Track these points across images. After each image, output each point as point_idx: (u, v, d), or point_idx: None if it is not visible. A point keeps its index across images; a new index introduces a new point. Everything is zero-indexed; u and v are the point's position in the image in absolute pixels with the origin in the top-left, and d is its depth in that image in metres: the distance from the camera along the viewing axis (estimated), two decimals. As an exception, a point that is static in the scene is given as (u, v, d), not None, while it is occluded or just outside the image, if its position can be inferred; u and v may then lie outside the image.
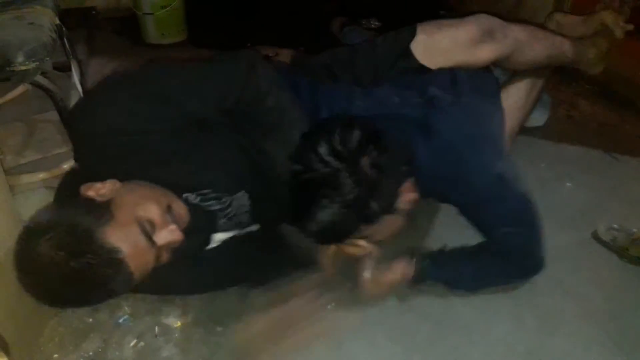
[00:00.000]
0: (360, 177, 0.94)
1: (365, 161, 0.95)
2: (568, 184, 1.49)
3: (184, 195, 1.03)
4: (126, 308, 1.15)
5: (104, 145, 0.97)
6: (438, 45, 1.19)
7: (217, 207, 1.08)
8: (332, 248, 1.10)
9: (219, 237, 1.13)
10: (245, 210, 1.12)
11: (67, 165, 1.56)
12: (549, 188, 1.45)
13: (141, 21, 2.39)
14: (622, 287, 1.19)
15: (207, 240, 1.11)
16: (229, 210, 1.10)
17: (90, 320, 1.13)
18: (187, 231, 0.98)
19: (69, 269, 0.84)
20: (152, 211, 0.93)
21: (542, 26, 1.42)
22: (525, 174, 1.16)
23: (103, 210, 0.90)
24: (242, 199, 1.10)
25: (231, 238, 1.15)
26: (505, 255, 1.09)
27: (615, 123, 1.77)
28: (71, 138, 1.06)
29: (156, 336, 1.10)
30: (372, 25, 2.25)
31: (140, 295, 1.17)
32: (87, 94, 1.05)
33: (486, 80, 1.27)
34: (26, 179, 1.50)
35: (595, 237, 1.31)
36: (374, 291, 1.08)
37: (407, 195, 1.02)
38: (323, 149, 0.94)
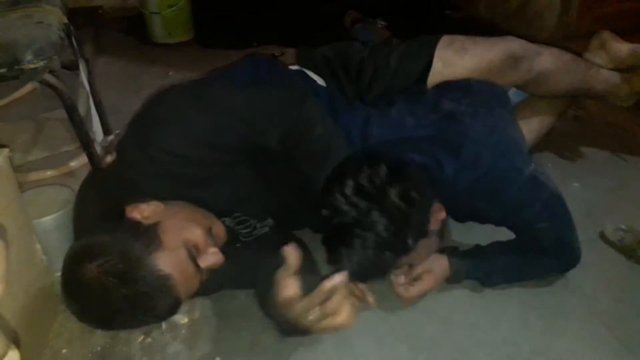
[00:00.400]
0: (392, 213, 0.92)
1: (394, 195, 0.93)
2: (575, 184, 1.49)
3: (222, 219, 1.05)
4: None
5: (167, 172, 0.98)
6: (453, 74, 1.18)
7: (245, 231, 1.12)
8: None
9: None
10: (266, 231, 1.15)
11: (75, 162, 1.58)
12: None
13: (148, 20, 2.40)
14: (630, 287, 1.19)
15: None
16: (255, 232, 1.13)
17: (98, 316, 1.14)
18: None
19: (119, 295, 0.85)
20: (196, 234, 0.94)
21: (578, 55, 1.35)
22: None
23: (151, 234, 0.90)
24: (267, 222, 1.15)
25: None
26: (542, 250, 1.11)
27: (623, 123, 1.76)
28: (123, 147, 1.06)
29: (163, 333, 1.10)
30: (379, 25, 2.25)
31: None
32: (152, 109, 1.06)
33: (497, 88, 1.25)
34: (34, 176, 1.52)
35: (603, 237, 1.30)
36: (413, 298, 1.10)
37: (437, 216, 1.02)
38: (350, 190, 0.92)
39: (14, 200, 1.00)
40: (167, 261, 0.88)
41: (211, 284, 1.10)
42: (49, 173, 1.55)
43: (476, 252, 1.16)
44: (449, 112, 1.13)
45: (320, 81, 1.24)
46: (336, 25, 2.09)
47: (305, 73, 1.23)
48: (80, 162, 1.57)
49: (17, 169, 1.05)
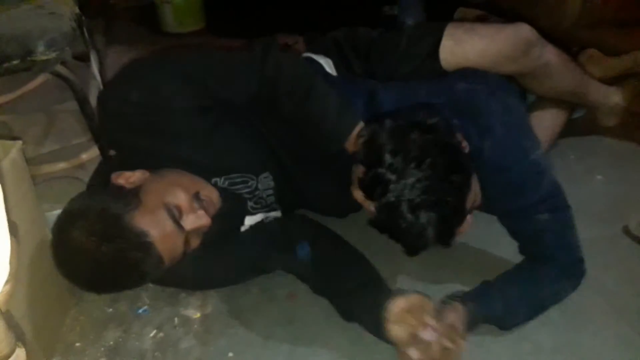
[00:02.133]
0: (447, 172, 0.88)
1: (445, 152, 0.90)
2: (598, 177, 1.45)
3: (213, 180, 1.05)
4: (146, 299, 1.16)
5: (130, 124, 0.99)
6: (465, 55, 1.14)
7: (246, 190, 1.09)
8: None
9: (248, 221, 1.13)
10: (270, 193, 1.13)
11: (87, 155, 1.57)
12: (579, 181, 1.40)
13: (159, 10, 2.39)
14: (654, 284, 1.16)
15: (240, 223, 1.12)
16: (257, 192, 1.11)
17: (110, 310, 1.14)
18: (219, 215, 1.01)
19: (100, 253, 0.87)
20: (179, 197, 0.96)
21: (575, 60, 1.39)
22: (554, 167, 1.12)
23: (132, 196, 0.93)
24: (266, 180, 1.11)
25: (259, 224, 1.15)
26: (545, 256, 1.07)
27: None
28: (102, 122, 1.08)
29: (175, 327, 1.10)
30: (393, 12, 2.21)
31: (160, 287, 1.17)
32: (114, 77, 1.09)
33: (509, 87, 1.22)
34: (46, 168, 1.53)
35: (626, 232, 1.26)
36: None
37: (464, 143, 0.98)
38: (399, 155, 0.88)
39: (27, 193, 1.00)
40: (146, 220, 0.91)
41: (219, 276, 1.13)
42: (60, 165, 1.55)
43: (480, 288, 1.07)
44: (465, 89, 1.10)
45: (328, 66, 1.22)
46: (350, 13, 2.06)
47: (312, 59, 1.21)
48: (91, 155, 1.57)
49: (29, 161, 1.06)
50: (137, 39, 2.36)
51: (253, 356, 1.04)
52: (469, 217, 0.96)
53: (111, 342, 1.07)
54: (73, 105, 1.45)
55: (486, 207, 1.10)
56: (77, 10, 1.30)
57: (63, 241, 0.92)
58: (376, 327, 0.98)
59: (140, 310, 1.13)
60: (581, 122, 1.54)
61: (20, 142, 0.99)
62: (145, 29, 2.46)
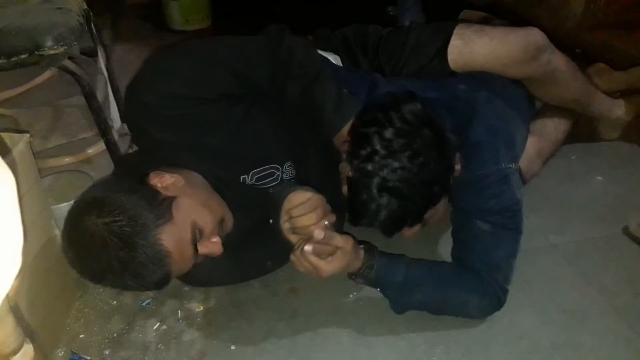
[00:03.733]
0: (425, 155, 0.90)
1: (428, 135, 0.92)
2: (599, 177, 1.45)
3: (241, 177, 1.07)
4: (150, 292, 1.16)
5: (164, 117, 0.97)
6: (473, 55, 1.14)
7: (271, 184, 1.10)
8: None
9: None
10: (293, 183, 1.13)
11: (93, 149, 1.59)
12: (579, 181, 1.41)
13: (166, 7, 2.41)
14: (653, 284, 1.16)
15: (266, 217, 1.10)
16: (282, 183, 1.12)
17: (115, 302, 1.15)
18: (246, 211, 1.05)
19: (116, 256, 0.87)
20: (207, 221, 0.96)
21: (582, 69, 1.38)
22: (555, 167, 1.14)
23: (165, 207, 0.92)
24: (289, 169, 1.12)
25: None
26: (468, 261, 1.04)
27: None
28: (131, 115, 1.05)
29: (179, 320, 1.11)
30: (397, 13, 2.21)
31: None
32: (141, 68, 1.03)
33: (517, 92, 1.22)
34: (52, 162, 1.54)
35: (626, 232, 1.27)
36: (306, 268, 0.99)
37: (457, 167, 1.00)
38: (389, 133, 0.90)
39: (34, 186, 1.00)
40: (171, 238, 0.90)
41: (225, 276, 1.14)
42: (66, 160, 1.56)
43: (396, 256, 1.06)
44: (464, 91, 1.11)
45: (335, 62, 1.23)
46: (354, 13, 2.07)
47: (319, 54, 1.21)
48: (97, 149, 1.58)
49: (35, 155, 1.06)
50: (144, 35, 2.37)
51: (255, 349, 1.04)
52: (417, 226, 1.02)
53: (115, 334, 1.08)
54: (80, 100, 1.47)
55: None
56: (84, 5, 1.31)
57: (83, 226, 0.88)
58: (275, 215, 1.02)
59: (144, 303, 1.14)
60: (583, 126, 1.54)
61: (27, 135, 0.98)
62: (151, 25, 2.47)
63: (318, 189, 1.05)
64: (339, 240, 0.97)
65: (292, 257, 1.00)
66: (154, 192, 0.94)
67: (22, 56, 1.11)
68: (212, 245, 0.97)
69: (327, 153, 1.09)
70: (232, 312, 1.12)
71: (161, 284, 0.93)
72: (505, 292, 1.04)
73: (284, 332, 1.08)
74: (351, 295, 1.14)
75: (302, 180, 1.13)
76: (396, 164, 0.89)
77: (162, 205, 0.92)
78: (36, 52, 1.11)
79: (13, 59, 1.11)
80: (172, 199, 0.93)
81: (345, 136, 1.00)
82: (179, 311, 1.12)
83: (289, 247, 1.02)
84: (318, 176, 1.13)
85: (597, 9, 1.71)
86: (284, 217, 1.01)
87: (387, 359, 1.02)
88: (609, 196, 1.37)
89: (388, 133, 0.91)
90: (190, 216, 0.94)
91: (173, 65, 0.99)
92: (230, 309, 1.13)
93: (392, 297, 1.06)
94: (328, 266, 0.97)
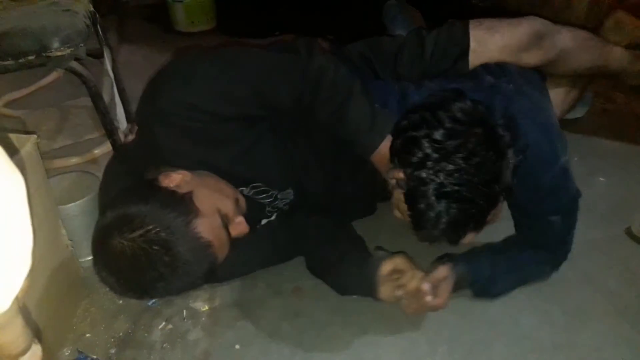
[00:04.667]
0: (482, 156, 0.87)
1: (481, 135, 0.88)
2: (601, 178, 1.45)
3: (240, 188, 1.07)
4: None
5: (176, 125, 0.96)
6: (488, 53, 1.16)
7: (267, 201, 1.12)
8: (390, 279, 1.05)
9: (264, 222, 1.18)
10: (287, 203, 1.16)
11: (99, 150, 1.60)
12: (582, 182, 1.36)
13: (171, 9, 2.42)
14: (655, 285, 1.16)
15: (257, 224, 1.16)
16: (275, 202, 1.14)
17: (121, 302, 1.16)
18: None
19: (163, 262, 0.87)
20: (227, 204, 0.97)
21: (593, 33, 1.36)
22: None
23: (187, 203, 0.92)
24: (287, 194, 1.14)
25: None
26: (541, 244, 1.09)
27: (652, 116, 1.72)
28: (140, 116, 1.05)
29: (184, 320, 1.12)
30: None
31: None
32: (164, 73, 1.03)
33: (534, 75, 1.22)
34: (59, 163, 1.55)
35: (629, 233, 1.27)
36: (428, 310, 1.05)
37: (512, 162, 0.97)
38: (439, 134, 0.88)
39: (42, 186, 1.01)
40: (206, 228, 0.91)
41: (237, 268, 1.15)
42: (73, 160, 1.57)
43: (470, 253, 1.11)
44: (492, 85, 1.10)
45: None
46: (360, 14, 2.07)
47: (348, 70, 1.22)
48: (104, 150, 1.59)
49: (42, 156, 1.08)
50: (149, 37, 2.38)
51: (259, 349, 1.05)
52: (494, 217, 0.97)
53: (121, 334, 1.09)
54: (86, 101, 1.47)
55: None
56: (91, 7, 1.32)
57: (118, 248, 0.87)
58: (367, 291, 1.06)
59: (150, 303, 1.15)
60: (585, 124, 1.54)
61: (35, 135, 0.99)
62: (157, 27, 2.48)
63: (324, 210, 1.10)
64: (440, 274, 1.02)
65: (407, 311, 1.05)
66: (170, 192, 0.94)
67: (30, 57, 1.12)
68: (240, 226, 0.99)
69: (352, 173, 1.13)
70: (237, 312, 1.13)
71: (210, 275, 0.94)
72: (569, 251, 1.12)
73: (288, 331, 1.08)
74: (354, 296, 1.14)
75: (301, 203, 1.16)
76: (451, 167, 0.85)
77: (184, 202, 0.92)
78: (43, 54, 1.13)
79: (20, 61, 1.12)
80: (190, 194, 0.94)
81: (384, 154, 0.99)
82: (185, 311, 1.13)
83: (272, 250, 1.14)
84: (324, 205, 1.17)
85: (601, 10, 1.71)
86: (387, 285, 1.04)
87: (391, 358, 1.03)
88: (612, 197, 1.37)
89: (438, 134, 0.87)
90: (213, 204, 0.95)
91: (197, 75, 0.98)
92: (235, 308, 1.14)
93: (481, 289, 1.10)
94: (443, 298, 1.01)
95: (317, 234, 1.16)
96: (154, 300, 1.15)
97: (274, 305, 1.14)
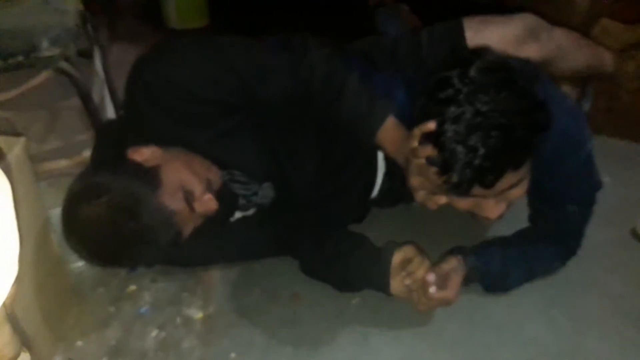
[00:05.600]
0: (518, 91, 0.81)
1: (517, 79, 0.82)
2: (606, 178, 1.42)
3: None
4: (148, 298, 1.15)
5: (159, 101, 0.99)
6: (485, 42, 1.14)
7: (242, 192, 1.11)
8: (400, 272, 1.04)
9: (238, 215, 1.17)
10: (267, 201, 1.15)
11: (89, 152, 1.56)
12: None
13: (163, 6, 2.40)
14: (661, 287, 1.14)
15: (230, 216, 1.15)
16: (253, 197, 1.13)
17: (113, 309, 1.13)
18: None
19: (128, 228, 0.91)
20: (193, 181, 0.99)
21: (584, 35, 1.40)
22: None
23: (152, 175, 0.96)
24: (267, 190, 1.13)
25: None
26: (554, 236, 1.10)
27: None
28: (127, 88, 1.06)
29: (178, 327, 1.09)
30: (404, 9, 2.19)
31: (162, 286, 1.17)
32: (155, 49, 1.05)
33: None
34: (49, 166, 1.52)
35: (634, 234, 1.26)
36: (437, 305, 1.04)
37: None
38: (475, 71, 0.80)
39: (30, 190, 0.99)
40: (169, 199, 0.95)
41: (205, 253, 1.17)
42: (63, 163, 1.54)
43: (481, 246, 1.12)
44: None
45: None
46: (355, 11, 2.05)
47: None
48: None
49: (31, 158, 1.06)
50: (141, 35, 2.35)
51: (256, 357, 1.03)
52: (501, 200, 0.87)
53: (113, 342, 1.06)
54: (76, 102, 1.45)
55: None
56: (81, 6, 1.30)
57: (85, 214, 0.92)
58: (379, 284, 1.06)
59: (142, 310, 1.12)
60: (589, 123, 1.52)
61: (23, 138, 0.98)
62: (148, 24, 2.46)
63: (316, 204, 1.09)
64: (448, 265, 1.03)
65: (419, 308, 1.03)
66: (137, 165, 0.98)
67: (19, 58, 1.12)
68: (207, 203, 1.00)
69: (335, 171, 1.12)
70: (232, 319, 1.10)
71: (175, 243, 0.98)
72: (580, 245, 1.12)
73: (285, 338, 1.06)
74: (354, 301, 1.12)
75: (282, 203, 1.15)
76: (486, 97, 0.78)
77: (150, 174, 0.96)
78: (32, 54, 1.12)
79: (9, 61, 1.12)
80: (157, 168, 0.98)
81: (390, 132, 0.97)
82: (178, 318, 1.11)
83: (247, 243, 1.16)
84: (314, 200, 1.15)
85: (603, 5, 1.70)
86: (397, 277, 1.04)
87: (391, 366, 1.01)
88: (617, 197, 1.35)
89: (472, 71, 0.80)
90: (178, 180, 0.97)
91: (186, 55, 1.00)
92: (231, 315, 1.11)
93: (491, 283, 1.10)
94: (452, 291, 1.01)
95: (314, 231, 1.15)
96: (146, 307, 1.13)
97: (271, 312, 1.12)
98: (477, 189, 0.82)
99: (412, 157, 0.88)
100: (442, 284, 1.00)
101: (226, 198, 1.08)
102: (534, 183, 0.99)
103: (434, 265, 1.03)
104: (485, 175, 0.80)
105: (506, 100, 0.78)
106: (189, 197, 0.98)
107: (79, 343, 1.06)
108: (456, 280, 1.02)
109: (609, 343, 1.03)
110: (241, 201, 1.13)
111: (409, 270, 1.02)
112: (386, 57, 1.21)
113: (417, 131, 0.86)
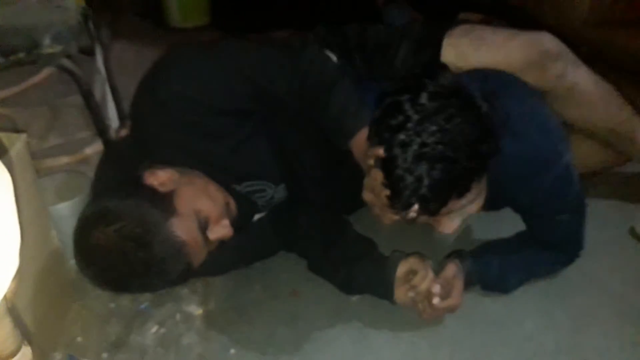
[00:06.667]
0: (469, 118, 0.82)
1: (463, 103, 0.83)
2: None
3: (232, 186, 1.06)
4: (148, 294, 1.15)
5: (172, 116, 0.97)
6: (468, 64, 1.06)
7: (261, 201, 1.12)
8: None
9: (256, 217, 1.18)
10: (282, 201, 1.16)
11: (90, 149, 1.57)
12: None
13: (165, 4, 2.39)
14: (660, 286, 1.15)
15: (248, 222, 1.15)
16: (272, 200, 1.14)
17: (113, 305, 1.13)
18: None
19: (136, 258, 0.88)
20: (209, 206, 0.97)
21: (587, 39, 1.23)
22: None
23: (167, 202, 0.93)
24: (281, 191, 1.14)
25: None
26: (552, 244, 1.09)
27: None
28: (136, 107, 1.05)
29: (177, 323, 1.09)
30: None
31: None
32: (160, 67, 1.04)
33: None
34: (49, 163, 1.52)
35: (632, 233, 1.26)
36: (443, 314, 1.05)
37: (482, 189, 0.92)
38: (424, 98, 0.82)
39: (31, 186, 0.99)
40: (182, 228, 0.92)
41: (226, 262, 1.14)
42: (63, 160, 1.54)
43: (480, 250, 1.12)
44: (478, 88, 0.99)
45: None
46: (360, 9, 2.05)
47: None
48: (95, 149, 1.56)
49: (32, 155, 1.06)
50: (142, 33, 2.35)
51: (255, 353, 1.03)
52: (458, 220, 0.91)
53: (113, 338, 1.06)
54: (77, 99, 1.45)
55: (503, 205, 1.09)
56: (83, 2, 1.30)
57: (95, 240, 0.90)
58: (383, 293, 1.06)
59: (142, 306, 1.13)
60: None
61: (25, 134, 0.98)
62: (150, 23, 2.45)
63: (322, 207, 1.10)
64: (448, 272, 1.03)
65: (424, 317, 1.04)
66: (152, 190, 0.95)
67: (20, 55, 1.11)
68: (222, 230, 0.98)
69: (335, 167, 1.11)
70: (232, 315, 1.11)
71: (185, 275, 0.95)
72: (581, 250, 1.12)
73: (285, 335, 1.06)
74: (354, 298, 1.12)
75: (297, 200, 1.15)
76: (434, 127, 0.79)
77: (164, 201, 0.93)
78: (34, 51, 1.12)
79: (11, 58, 1.11)
80: (172, 193, 0.95)
81: (362, 139, 0.95)
82: (178, 314, 1.11)
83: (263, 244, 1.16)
84: (321, 194, 1.15)
85: (603, 6, 1.70)
86: (402, 288, 1.04)
87: (390, 362, 1.01)
88: (614, 197, 1.36)
89: (423, 98, 0.82)
90: (193, 205, 0.95)
91: (197, 68, 0.99)
92: (230, 312, 1.11)
93: (489, 285, 1.11)
94: (456, 298, 1.01)
95: (324, 233, 1.14)
96: (146, 304, 1.13)
97: (271, 309, 1.12)
98: (421, 216, 0.86)
99: (367, 175, 0.92)
100: (445, 293, 1.01)
101: (245, 207, 1.08)
102: (513, 201, 1.04)
103: (436, 274, 1.03)
104: (429, 204, 0.83)
105: (452, 131, 0.80)
106: (203, 225, 0.95)
107: (79, 339, 1.06)
108: (458, 286, 1.02)
109: (608, 341, 1.03)
110: (260, 208, 1.14)
111: (412, 283, 1.02)
112: (365, 51, 1.16)
113: (370, 153, 0.88)
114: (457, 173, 0.82)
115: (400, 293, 1.04)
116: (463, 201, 0.86)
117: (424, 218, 0.88)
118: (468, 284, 1.06)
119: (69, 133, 1.67)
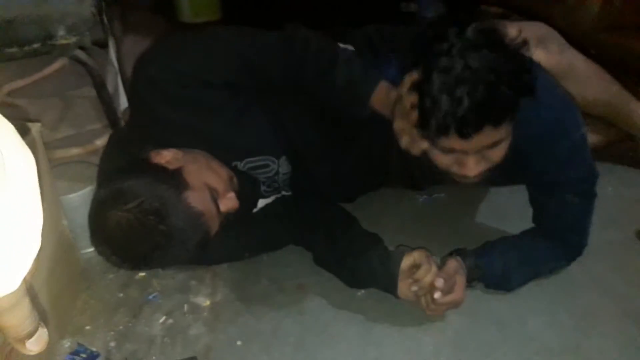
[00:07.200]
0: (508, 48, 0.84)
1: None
2: (610, 186, 1.43)
3: (233, 163, 1.08)
4: (156, 285, 1.16)
5: (167, 93, 1.00)
6: None
7: (264, 175, 1.13)
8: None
9: (261, 204, 1.19)
10: (287, 177, 1.16)
11: (101, 141, 1.58)
12: None
13: (176, 0, 2.39)
14: (665, 288, 1.15)
15: (254, 206, 1.17)
16: (276, 177, 1.14)
17: (121, 295, 1.15)
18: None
19: (158, 231, 0.91)
20: (217, 180, 1.01)
21: (594, 38, 1.33)
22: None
23: (177, 177, 0.97)
24: (284, 166, 1.14)
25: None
26: (557, 233, 1.10)
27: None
28: (135, 88, 1.08)
29: (185, 314, 1.10)
30: (410, 9, 2.19)
31: (170, 273, 1.18)
32: (155, 44, 1.08)
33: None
34: (60, 153, 1.53)
35: (639, 236, 1.26)
36: (446, 309, 1.05)
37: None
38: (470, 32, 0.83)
39: (45, 176, 1.00)
40: (197, 200, 0.96)
41: (233, 248, 1.17)
42: (75, 151, 1.55)
43: (482, 247, 1.13)
44: None
45: None
46: (367, 9, 2.05)
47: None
48: (106, 141, 1.57)
49: (44, 145, 1.07)
50: (153, 28, 2.35)
51: (261, 345, 1.04)
52: (503, 145, 0.88)
53: (121, 327, 1.08)
54: (89, 91, 1.46)
55: (515, 176, 1.10)
56: (97, -5, 1.30)
57: (114, 219, 0.92)
58: (387, 286, 1.07)
59: (150, 296, 1.14)
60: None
61: (39, 124, 0.99)
62: (161, 18, 2.46)
63: (328, 181, 1.09)
64: (450, 267, 1.04)
65: (428, 312, 1.05)
66: (161, 168, 0.99)
67: (35, 45, 1.12)
68: (229, 201, 1.02)
69: (349, 144, 1.12)
70: (239, 308, 1.12)
71: (204, 244, 0.98)
72: (585, 245, 1.12)
73: (291, 328, 1.07)
74: (359, 293, 1.13)
75: (297, 177, 1.16)
76: (477, 54, 0.80)
77: (175, 177, 0.97)
78: (48, 42, 1.13)
79: (25, 48, 1.12)
80: (180, 169, 0.98)
81: (382, 94, 0.96)
82: (186, 305, 1.12)
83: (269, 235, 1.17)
84: (324, 171, 1.15)
85: (614, 10, 1.69)
86: (405, 281, 1.05)
87: (395, 358, 1.01)
88: (621, 199, 1.36)
89: (469, 30, 0.82)
90: (202, 179, 0.99)
91: (185, 45, 1.03)
92: (237, 304, 1.12)
93: (492, 283, 1.11)
94: (459, 293, 1.03)
95: (330, 226, 1.16)
96: (154, 294, 1.14)
97: (277, 302, 1.13)
98: (454, 139, 0.84)
99: (399, 102, 0.91)
100: (448, 288, 1.02)
101: (248, 188, 1.09)
102: (528, 168, 1.04)
103: (439, 270, 1.04)
104: (465, 126, 0.82)
105: (496, 60, 0.81)
106: (214, 195, 0.99)
107: (88, 328, 1.08)
108: (460, 282, 1.03)
109: (611, 341, 1.03)
110: (263, 187, 1.15)
111: (415, 277, 1.03)
112: (387, 48, 1.18)
113: (408, 78, 0.88)
114: (498, 98, 0.81)
115: (404, 287, 1.05)
116: (497, 135, 0.85)
117: (450, 157, 0.89)
118: (470, 281, 1.07)
119: (81, 124, 1.68)
